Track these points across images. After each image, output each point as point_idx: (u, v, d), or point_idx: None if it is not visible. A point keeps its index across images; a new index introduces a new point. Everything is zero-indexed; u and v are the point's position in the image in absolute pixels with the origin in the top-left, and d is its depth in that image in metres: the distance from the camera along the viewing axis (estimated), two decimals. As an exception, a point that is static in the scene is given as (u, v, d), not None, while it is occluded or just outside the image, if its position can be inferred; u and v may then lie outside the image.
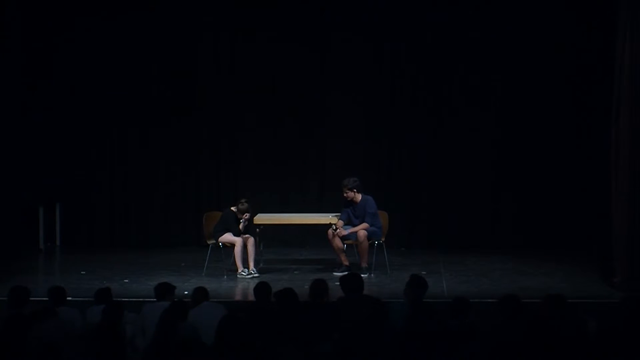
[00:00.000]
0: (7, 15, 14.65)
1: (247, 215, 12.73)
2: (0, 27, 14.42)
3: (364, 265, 12.66)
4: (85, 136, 15.29)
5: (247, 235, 12.66)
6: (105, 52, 15.13)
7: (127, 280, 12.33)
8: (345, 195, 12.84)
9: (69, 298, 10.51)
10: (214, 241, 12.75)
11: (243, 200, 12.83)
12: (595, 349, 7.03)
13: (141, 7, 15.07)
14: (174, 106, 15.28)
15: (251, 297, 9.11)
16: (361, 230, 12.67)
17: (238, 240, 12.53)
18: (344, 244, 12.74)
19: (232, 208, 12.84)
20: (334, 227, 12.68)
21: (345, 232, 12.68)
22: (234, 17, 15.09)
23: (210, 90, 15.32)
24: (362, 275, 10.14)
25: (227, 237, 12.63)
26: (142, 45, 15.14)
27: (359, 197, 12.86)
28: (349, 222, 12.86)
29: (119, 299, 9.48)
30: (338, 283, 11.92)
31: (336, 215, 12.96)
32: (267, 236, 13.40)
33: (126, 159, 15.45)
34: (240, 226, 12.72)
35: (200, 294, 9.01)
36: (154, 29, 15.09)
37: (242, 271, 12.51)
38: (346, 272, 12.46)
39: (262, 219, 13.09)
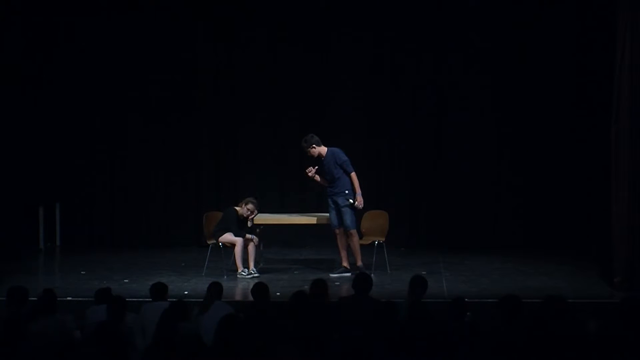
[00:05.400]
0: (7, 15, 14.67)
1: (255, 213, 12.74)
2: None
3: (359, 264, 12.55)
4: (85, 136, 15.29)
5: (250, 236, 12.63)
6: (105, 52, 15.14)
7: (127, 280, 12.33)
8: (309, 155, 12.68)
9: (69, 298, 10.57)
10: (214, 241, 12.74)
11: (254, 200, 12.80)
12: (595, 349, 7.03)
13: (140, 7, 15.08)
14: (174, 106, 15.29)
15: (251, 297, 9.10)
16: (352, 230, 12.62)
17: (238, 240, 12.53)
18: (347, 243, 12.68)
19: (236, 207, 12.81)
20: (352, 201, 12.49)
21: (361, 199, 12.50)
22: (233, 16, 15.10)
23: (210, 90, 15.33)
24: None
25: (227, 237, 12.62)
26: (143, 44, 15.14)
27: (323, 150, 12.68)
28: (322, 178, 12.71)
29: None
30: (337, 283, 12.05)
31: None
32: (267, 236, 13.40)
33: (126, 158, 15.45)
34: (250, 224, 12.72)
35: (215, 290, 9.00)
36: (154, 28, 15.09)
37: (242, 271, 12.50)
38: (344, 274, 12.50)
39: (262, 219, 13.08)
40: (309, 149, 12.63)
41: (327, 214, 12.94)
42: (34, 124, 15.04)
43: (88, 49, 15.13)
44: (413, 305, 7.99)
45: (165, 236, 15.32)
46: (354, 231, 12.61)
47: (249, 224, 12.73)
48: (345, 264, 12.68)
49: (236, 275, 12.49)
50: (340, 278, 12.37)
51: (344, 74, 15.13)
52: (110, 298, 8.65)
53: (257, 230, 12.93)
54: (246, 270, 12.51)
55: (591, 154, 14.10)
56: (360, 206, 12.58)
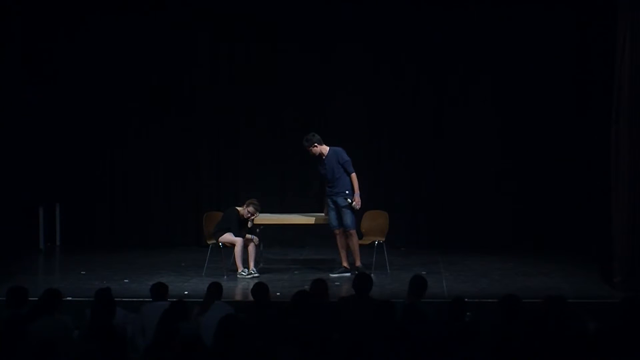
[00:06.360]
0: (6, 15, 14.67)
1: (256, 215, 12.74)
2: None
3: (358, 264, 12.56)
4: (85, 136, 15.29)
5: (250, 237, 12.63)
6: (105, 52, 15.13)
7: (127, 280, 12.33)
8: (311, 154, 12.70)
9: (69, 298, 10.56)
10: (214, 241, 12.74)
11: (256, 202, 12.80)
12: (595, 349, 7.03)
13: (141, 6, 15.07)
14: (174, 106, 15.30)
15: (251, 297, 9.10)
16: (352, 230, 12.61)
17: (238, 240, 12.53)
18: (346, 243, 12.67)
19: (238, 208, 12.81)
20: (350, 201, 12.52)
21: (358, 200, 12.51)
22: (233, 16, 15.09)
23: (210, 90, 15.32)
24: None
25: (228, 237, 12.62)
26: (143, 44, 15.13)
27: (325, 148, 12.69)
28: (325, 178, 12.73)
29: (117, 299, 9.43)
30: (337, 283, 12.05)
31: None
32: (267, 236, 13.40)
33: (126, 158, 15.45)
34: (249, 225, 12.72)
35: (215, 290, 9.00)
36: (154, 28, 15.09)
37: (242, 271, 12.50)
38: (344, 274, 12.50)
39: (262, 219, 13.07)
40: (311, 148, 12.64)
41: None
42: (34, 123, 15.03)
43: (88, 48, 15.13)
44: (408, 308, 7.97)
45: (165, 236, 15.32)
46: (353, 231, 12.61)
47: (249, 224, 12.74)
48: (345, 264, 12.68)
49: (236, 275, 12.49)
50: (340, 278, 12.37)
51: (345, 74, 15.12)
52: (103, 298, 8.60)
53: (257, 230, 12.92)
54: (246, 270, 12.51)
55: (591, 154, 14.10)
56: (358, 207, 12.58)
